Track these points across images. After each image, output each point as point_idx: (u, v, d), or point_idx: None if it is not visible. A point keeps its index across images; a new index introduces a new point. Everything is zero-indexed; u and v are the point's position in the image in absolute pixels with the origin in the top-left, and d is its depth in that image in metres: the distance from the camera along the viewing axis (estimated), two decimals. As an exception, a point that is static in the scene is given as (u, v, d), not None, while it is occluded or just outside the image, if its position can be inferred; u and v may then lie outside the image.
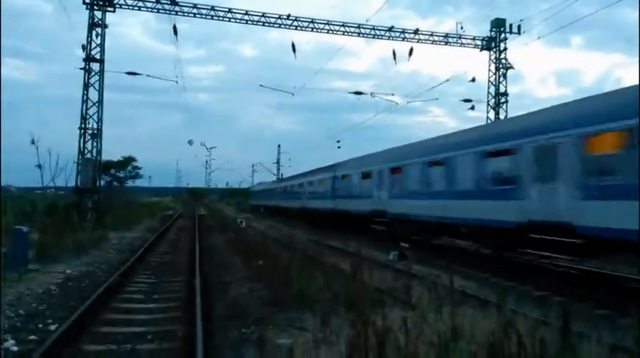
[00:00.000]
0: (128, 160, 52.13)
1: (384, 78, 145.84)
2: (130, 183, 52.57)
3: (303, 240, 17.33)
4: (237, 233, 20.90)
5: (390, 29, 27.50)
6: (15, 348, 5.79)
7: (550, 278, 11.34)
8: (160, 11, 25.54)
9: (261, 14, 26.15)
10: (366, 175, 22.78)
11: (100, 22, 24.76)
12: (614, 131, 9.54)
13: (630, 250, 9.15)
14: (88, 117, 24.57)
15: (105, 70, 25.05)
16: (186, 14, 25.68)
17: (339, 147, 45.21)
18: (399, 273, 10.97)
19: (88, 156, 24.60)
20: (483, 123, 27.03)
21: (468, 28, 32.19)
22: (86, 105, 24.59)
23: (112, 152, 56.83)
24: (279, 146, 79.37)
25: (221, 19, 26.04)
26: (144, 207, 45.91)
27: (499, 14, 28.65)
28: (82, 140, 24.49)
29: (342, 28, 27.05)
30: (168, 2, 25.10)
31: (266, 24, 26.41)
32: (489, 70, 29.14)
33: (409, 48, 26.54)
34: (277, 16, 26.29)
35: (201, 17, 25.85)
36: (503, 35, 28.53)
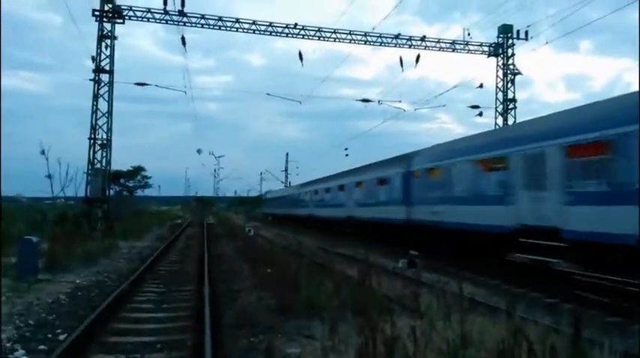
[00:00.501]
0: (137, 170, 52.54)
1: (391, 85, 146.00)
2: (139, 193, 52.99)
3: (311, 248, 17.31)
4: (245, 241, 20.91)
5: (397, 36, 27.55)
6: (25, 358, 5.82)
7: (561, 285, 11.23)
8: (169, 22, 25.78)
9: (268, 24, 26.31)
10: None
11: (109, 33, 25.05)
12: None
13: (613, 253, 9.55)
14: (97, 127, 24.79)
15: (114, 80, 25.33)
16: (194, 25, 25.91)
17: (346, 154, 45.23)
18: (408, 281, 10.92)
19: (98, 166, 24.79)
20: (492, 129, 26.94)
21: (475, 35, 31.95)
22: (96, 116, 24.82)
23: (121, 162, 57.48)
24: (287, 154, 79.27)
25: (229, 29, 26.23)
26: (153, 216, 46.12)
27: (506, 20, 28.48)
28: (91, 150, 24.69)
29: (349, 36, 27.14)
30: (177, 13, 25.33)
31: (273, 33, 26.57)
32: (497, 76, 29.09)
33: (416, 55, 26.59)
34: (284, 25, 26.45)
35: (209, 28, 26.06)
36: (510, 41, 28.48)
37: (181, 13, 25.34)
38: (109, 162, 25.20)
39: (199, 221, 47.96)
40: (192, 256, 17.39)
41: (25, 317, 7.76)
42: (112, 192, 30.94)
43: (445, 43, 28.33)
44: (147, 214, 44.09)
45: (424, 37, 27.88)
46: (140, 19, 25.55)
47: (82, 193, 24.53)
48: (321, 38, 26.92)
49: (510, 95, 28.73)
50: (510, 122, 28.13)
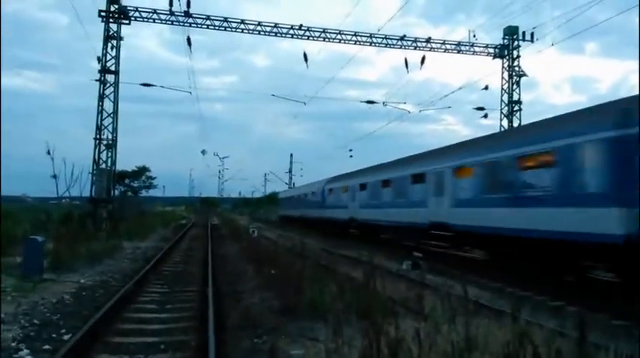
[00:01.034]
0: (142, 170, 52.53)
1: (396, 86, 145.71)
2: (144, 193, 52.95)
3: (315, 250, 17.28)
4: (249, 242, 20.90)
5: (402, 38, 27.55)
6: (29, 358, 5.83)
7: (566, 288, 11.16)
8: (174, 23, 25.89)
9: (273, 25, 26.35)
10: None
11: (115, 34, 25.15)
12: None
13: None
14: (103, 127, 24.89)
15: (120, 81, 25.43)
16: (199, 26, 26.00)
17: (351, 156, 45.07)
18: (412, 283, 10.88)
19: (103, 166, 24.87)
20: (497, 131, 26.87)
21: (481, 36, 32.07)
22: (101, 116, 24.92)
23: (126, 162, 57.36)
24: (291, 155, 78.04)
25: (234, 30, 26.31)
26: (157, 216, 46.23)
27: (512, 22, 28.61)
28: (97, 150, 24.79)
29: (354, 38, 27.16)
30: (182, 14, 25.42)
31: (278, 34, 26.61)
32: (502, 78, 29.03)
33: (421, 56, 26.59)
34: (289, 26, 26.49)
35: (215, 28, 26.13)
36: (516, 43, 28.43)
37: (187, 14, 25.43)
38: (114, 163, 25.31)
39: (204, 222, 48.02)
40: (197, 257, 17.40)
41: (30, 316, 7.78)
42: (116, 192, 31.03)
43: (450, 44, 28.32)
44: (151, 215, 44.18)
45: (429, 38, 27.89)
46: (146, 19, 25.66)
47: (87, 193, 24.66)
48: (326, 39, 26.97)
49: (516, 97, 28.68)
50: (515, 124, 28.07)
